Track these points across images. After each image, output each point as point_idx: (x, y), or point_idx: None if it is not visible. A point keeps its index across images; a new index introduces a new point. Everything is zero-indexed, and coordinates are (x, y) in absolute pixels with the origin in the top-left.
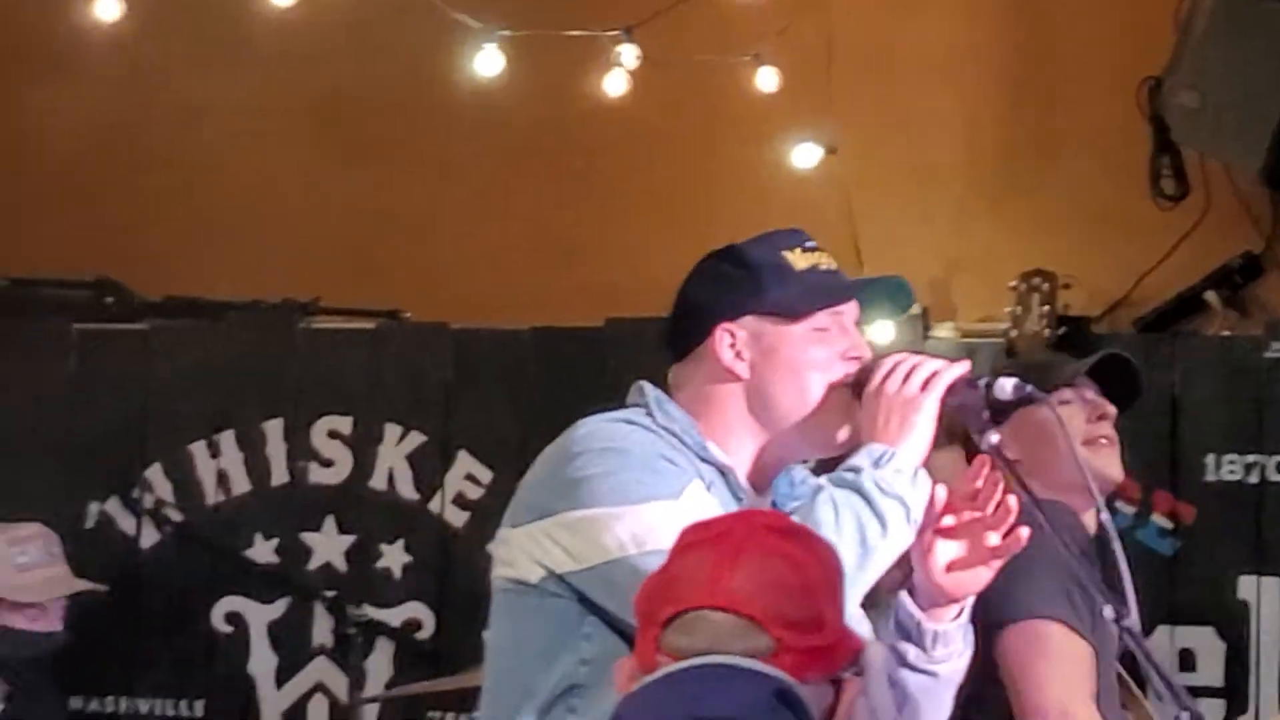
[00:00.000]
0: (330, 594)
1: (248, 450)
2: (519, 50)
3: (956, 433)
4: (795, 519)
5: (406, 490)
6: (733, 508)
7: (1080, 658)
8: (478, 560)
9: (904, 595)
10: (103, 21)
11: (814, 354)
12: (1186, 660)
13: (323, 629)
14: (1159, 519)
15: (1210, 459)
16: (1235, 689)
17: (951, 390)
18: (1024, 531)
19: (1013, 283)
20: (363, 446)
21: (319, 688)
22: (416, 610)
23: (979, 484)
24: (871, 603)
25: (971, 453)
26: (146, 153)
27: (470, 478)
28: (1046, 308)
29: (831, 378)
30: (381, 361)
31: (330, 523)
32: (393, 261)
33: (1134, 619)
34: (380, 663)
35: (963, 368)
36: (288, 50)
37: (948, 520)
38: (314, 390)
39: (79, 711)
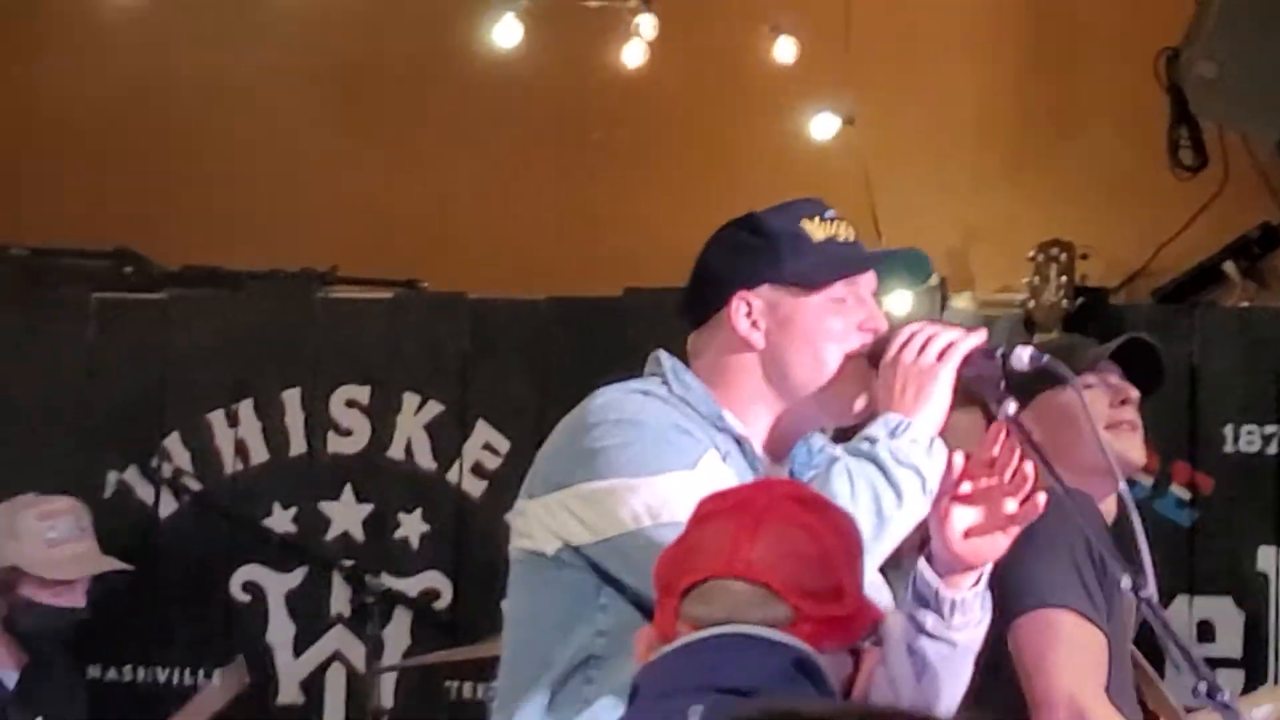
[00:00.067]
0: (348, 563)
1: (266, 420)
2: (537, 20)
3: (976, 397)
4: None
5: (424, 460)
6: (749, 477)
7: (1092, 647)
8: (495, 530)
9: (922, 563)
10: None
11: (830, 324)
12: (1205, 631)
13: (340, 598)
14: (1177, 490)
15: (1229, 430)
16: (1254, 660)
17: (968, 360)
18: (1041, 497)
19: (1031, 253)
20: (381, 416)
21: (336, 657)
22: (434, 580)
23: (995, 451)
24: (893, 563)
25: (990, 415)
26: (165, 123)
27: (488, 447)
28: (1064, 278)
29: (848, 348)
30: (399, 331)
31: (348, 492)
32: (411, 231)
33: (1151, 589)
34: (398, 632)
35: (979, 338)
36: (307, 20)
37: (965, 487)
38: (332, 360)
39: (97, 680)
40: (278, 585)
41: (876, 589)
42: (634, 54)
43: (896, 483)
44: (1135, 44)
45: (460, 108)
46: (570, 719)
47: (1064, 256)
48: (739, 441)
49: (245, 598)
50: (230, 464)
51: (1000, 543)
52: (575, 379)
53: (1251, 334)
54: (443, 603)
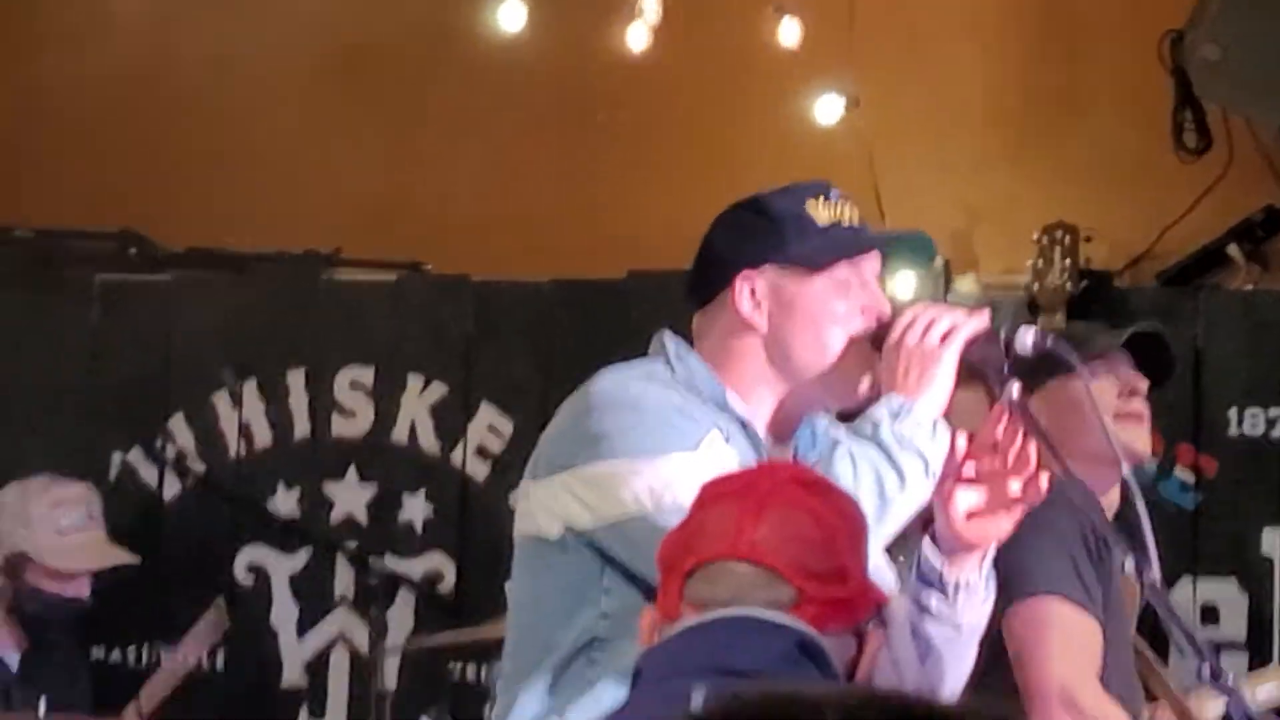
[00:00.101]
0: (352, 545)
1: (270, 401)
2: (541, 3)
3: (981, 375)
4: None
5: (428, 442)
6: (751, 459)
7: (1085, 635)
8: (499, 512)
9: (926, 544)
10: None
11: (833, 307)
12: (1209, 615)
13: (344, 580)
14: (1181, 473)
15: (1233, 413)
16: (1258, 643)
17: (971, 343)
18: (1044, 479)
19: (1035, 236)
20: (385, 398)
21: (340, 639)
22: (438, 562)
23: (999, 433)
24: (899, 543)
25: (994, 394)
26: (169, 104)
27: (492, 429)
28: (1068, 261)
29: (851, 331)
30: (403, 313)
31: (352, 474)
32: (414, 213)
33: (1155, 573)
34: (402, 614)
35: (982, 321)
36: (311, 2)
37: (968, 469)
38: (336, 342)
39: (101, 661)
40: (282, 567)
41: (881, 571)
42: (638, 36)
43: (899, 466)
44: (1139, 26)
45: (464, 90)
46: (573, 701)
47: (1068, 239)
48: (742, 423)
49: (249, 579)
50: (234, 446)
51: (1004, 524)
52: (578, 361)
53: (1256, 317)
54: (446, 585)
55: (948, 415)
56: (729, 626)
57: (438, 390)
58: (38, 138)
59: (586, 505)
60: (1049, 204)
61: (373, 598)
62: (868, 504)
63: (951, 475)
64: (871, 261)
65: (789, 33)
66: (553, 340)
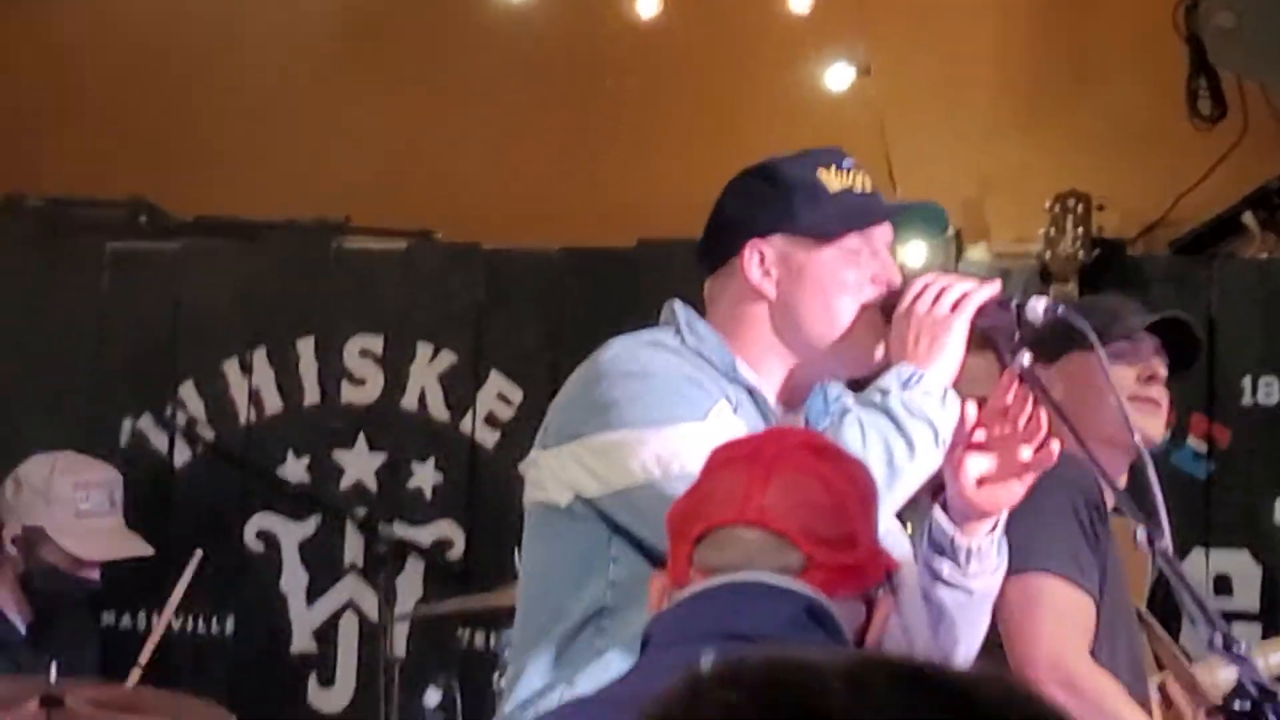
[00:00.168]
0: (361, 513)
1: (280, 369)
2: None
3: (991, 342)
4: None
5: (438, 409)
6: (760, 428)
7: (1077, 610)
8: (508, 479)
9: (938, 511)
10: None
11: (844, 276)
12: (1222, 585)
13: (354, 547)
14: (1194, 442)
15: (1246, 382)
16: (1272, 613)
17: (982, 312)
18: (1055, 445)
19: (1047, 204)
20: (394, 366)
21: (350, 606)
22: (447, 529)
23: (1009, 400)
24: (910, 507)
25: (1004, 361)
26: (180, 72)
27: (501, 397)
28: (1081, 230)
29: (861, 300)
30: (413, 282)
31: (362, 441)
32: (424, 181)
33: (1167, 543)
34: (411, 581)
35: (993, 289)
36: None
37: (978, 435)
38: (346, 310)
39: (110, 627)
40: (291, 534)
41: (894, 537)
42: (647, 3)
43: (909, 434)
44: None
45: (474, 58)
46: (582, 669)
47: (1080, 207)
48: (751, 392)
49: (259, 546)
50: (244, 413)
51: (1015, 490)
52: (588, 329)
53: (1270, 285)
54: (455, 552)
55: (958, 382)
56: (737, 592)
57: (447, 358)
58: (49, 106)
59: (595, 474)
60: (1061, 172)
61: (382, 565)
62: (877, 472)
63: (962, 442)
64: (883, 230)
65: (799, 0)
66: (562, 309)
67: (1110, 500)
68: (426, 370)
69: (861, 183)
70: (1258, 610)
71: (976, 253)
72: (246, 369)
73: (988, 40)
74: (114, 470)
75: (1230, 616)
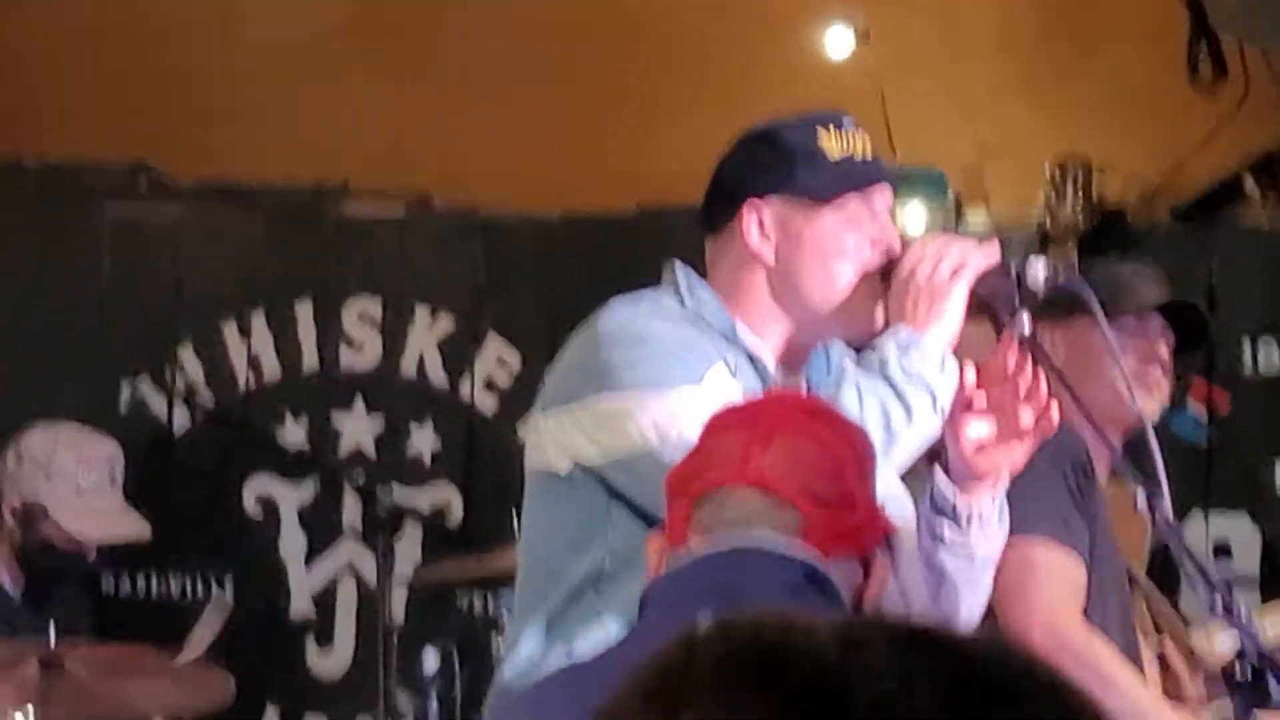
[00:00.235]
0: (360, 477)
1: (279, 333)
2: None
3: (986, 310)
4: None
5: (436, 374)
6: (758, 391)
7: (1068, 573)
8: (506, 444)
9: (939, 475)
10: None
11: (842, 240)
12: (1221, 550)
13: (352, 511)
14: (1194, 407)
15: (1246, 347)
16: (1271, 578)
17: (982, 277)
18: (1055, 411)
19: (1047, 169)
20: (393, 331)
21: (348, 569)
22: (445, 493)
23: (1010, 364)
24: (912, 469)
25: (1000, 329)
26: (181, 38)
27: (500, 362)
28: (1081, 195)
29: (860, 264)
30: (412, 247)
31: (360, 406)
32: (423, 147)
33: (1167, 506)
34: (409, 545)
35: (993, 254)
36: None
37: (979, 399)
38: (345, 274)
39: (110, 590)
40: (290, 498)
41: (897, 500)
42: None
43: (906, 399)
44: None
45: (474, 25)
46: (581, 634)
47: (1081, 172)
48: (750, 356)
49: (258, 510)
50: (243, 377)
51: (1017, 454)
52: (587, 296)
53: (1270, 251)
54: (454, 516)
55: (955, 350)
56: (735, 557)
57: (446, 323)
58: (49, 71)
59: (593, 440)
60: (1061, 137)
61: (380, 529)
62: (875, 437)
63: (961, 407)
64: (882, 194)
65: None
66: (561, 275)
67: (1104, 466)
68: (425, 335)
69: (861, 146)
70: (1257, 575)
71: (976, 218)
72: (245, 333)
73: (987, 5)
74: (114, 444)
75: (1229, 581)
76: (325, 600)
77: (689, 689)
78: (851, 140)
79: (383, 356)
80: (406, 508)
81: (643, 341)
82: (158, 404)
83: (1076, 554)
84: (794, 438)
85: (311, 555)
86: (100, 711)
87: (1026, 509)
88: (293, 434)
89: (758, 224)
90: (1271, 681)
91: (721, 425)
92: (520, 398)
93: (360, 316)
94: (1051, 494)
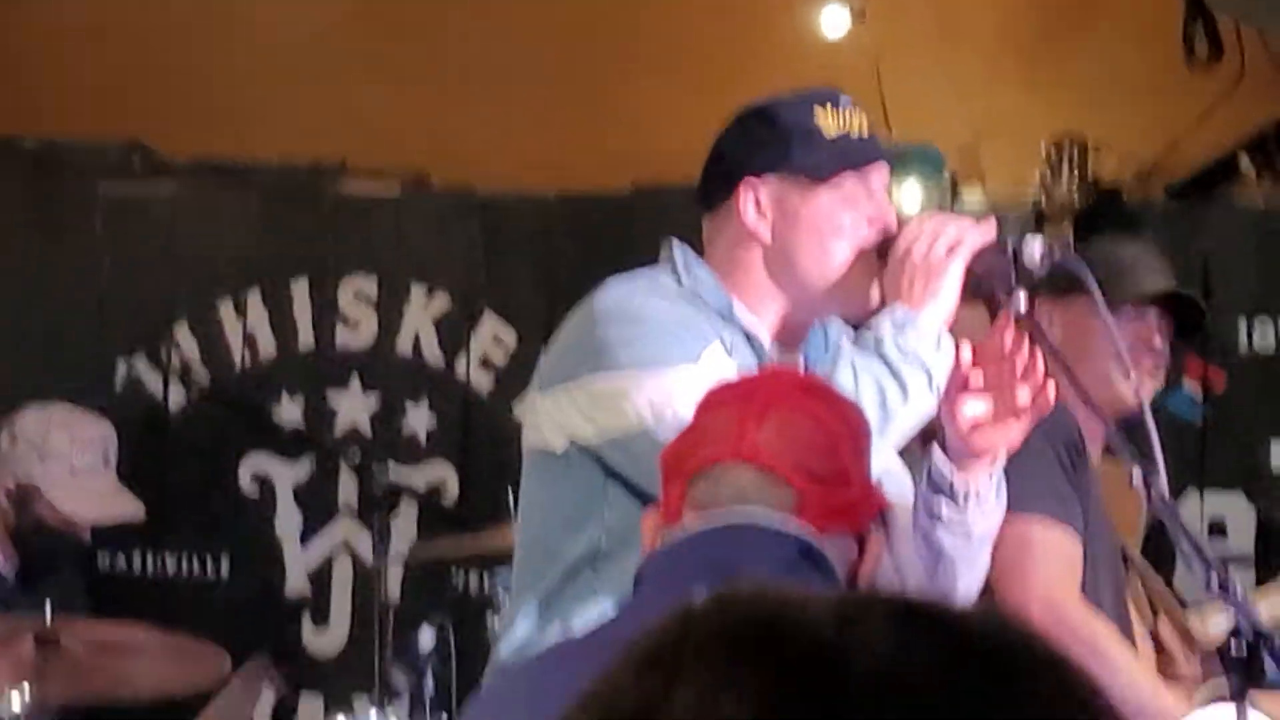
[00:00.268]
0: (355, 455)
1: (274, 312)
2: None
3: (981, 292)
4: None
5: (432, 353)
6: (755, 369)
7: (1066, 550)
8: (502, 422)
9: (936, 452)
10: None
11: (838, 219)
12: (1216, 529)
13: (348, 490)
14: (1189, 385)
15: (1241, 325)
16: (1266, 557)
17: (978, 255)
18: (1052, 388)
19: (1043, 148)
20: (388, 309)
21: (344, 548)
22: (441, 472)
23: (1006, 341)
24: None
25: (995, 313)
26: (178, 19)
27: (496, 340)
28: (1076, 173)
29: (856, 242)
30: (408, 226)
31: (356, 384)
32: (420, 125)
33: (1163, 483)
34: (405, 524)
35: (989, 231)
36: None
37: (975, 378)
38: (340, 253)
39: (105, 568)
40: (285, 476)
41: (895, 476)
42: None
43: (902, 378)
44: None
45: (470, 5)
46: (578, 612)
47: (1076, 151)
48: (747, 334)
49: (253, 488)
50: (239, 355)
51: (1014, 432)
52: (582, 274)
53: (1266, 229)
54: (449, 494)
55: (949, 331)
56: (730, 533)
57: (441, 302)
58: (44, 48)
59: (589, 419)
60: (1057, 116)
61: (376, 507)
62: (870, 416)
63: (958, 385)
64: (879, 172)
65: None
66: (557, 253)
67: (1098, 444)
68: (421, 313)
69: (858, 123)
70: (1252, 554)
71: (972, 197)
72: (241, 311)
73: None
74: (108, 425)
75: (1225, 560)
76: (321, 578)
77: (684, 662)
78: (848, 118)
79: (378, 335)
80: (402, 486)
81: (639, 320)
82: (153, 382)
83: (1073, 531)
84: (789, 414)
85: (307, 533)
86: (96, 688)
87: (1023, 487)
88: (289, 412)
89: (754, 203)
90: (1267, 660)
91: (716, 402)
92: (516, 376)
93: (356, 295)
94: (1047, 472)
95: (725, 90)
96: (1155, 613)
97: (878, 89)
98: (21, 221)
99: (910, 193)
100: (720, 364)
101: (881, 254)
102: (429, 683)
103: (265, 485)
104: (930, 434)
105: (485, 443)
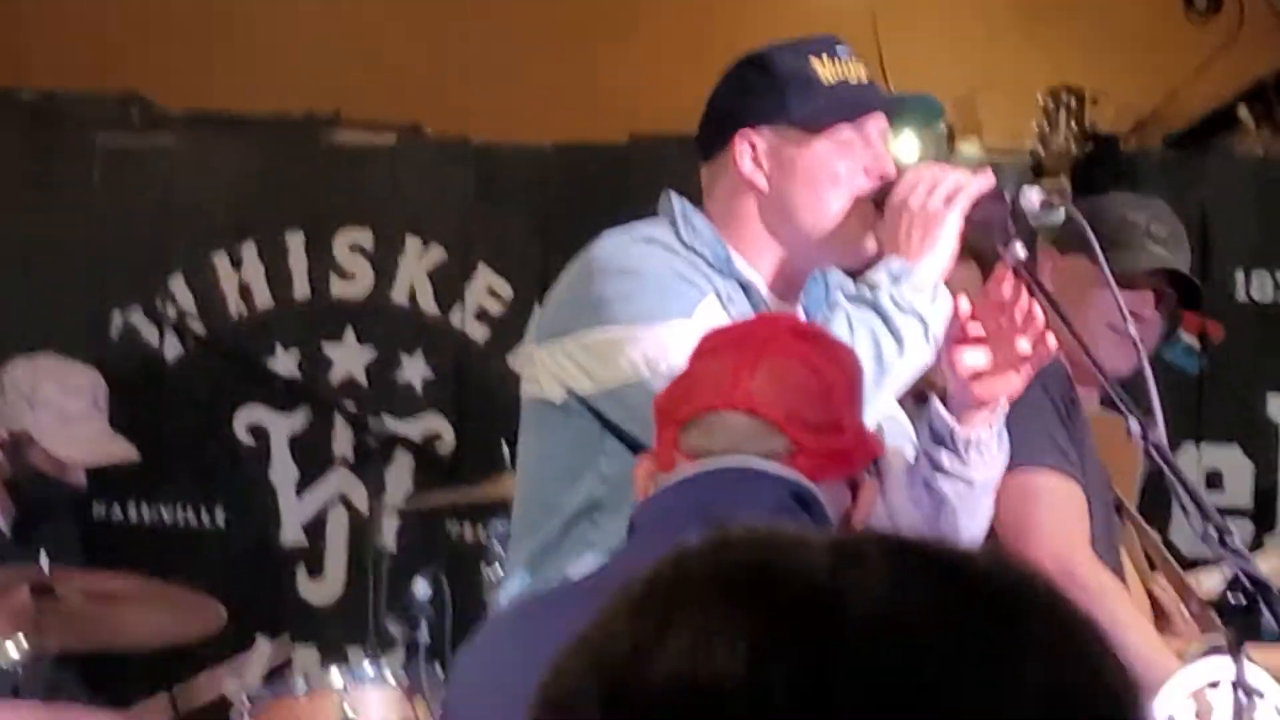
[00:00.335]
0: (351, 406)
1: (269, 263)
2: None
3: (973, 249)
4: None
5: (427, 304)
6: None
7: (1072, 502)
8: (497, 373)
9: (936, 403)
10: None
11: (834, 168)
12: (1213, 481)
13: (343, 441)
14: (1186, 337)
15: (1239, 277)
16: (1263, 509)
17: (976, 204)
18: (1052, 338)
19: (1040, 98)
20: (383, 260)
21: (339, 499)
22: (436, 423)
23: (1005, 292)
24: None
25: (987, 271)
26: None
27: (491, 292)
28: (1074, 124)
29: (853, 191)
30: (403, 176)
31: (350, 335)
32: (414, 75)
33: (1161, 434)
34: (400, 475)
35: (987, 181)
36: None
37: (974, 328)
38: (335, 204)
39: (101, 518)
40: (281, 427)
41: (896, 424)
42: None
43: (897, 330)
44: None
45: None
46: (575, 562)
47: (1073, 102)
48: (744, 285)
49: (249, 439)
50: (234, 306)
51: (1014, 381)
52: (577, 225)
53: (1264, 179)
54: (444, 445)
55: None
56: (723, 477)
57: (436, 253)
58: (42, 1)
59: (586, 371)
60: (1055, 67)
61: (371, 458)
62: (865, 369)
63: (957, 336)
64: (877, 120)
65: None
66: (552, 204)
67: (1092, 394)
68: (416, 265)
69: (856, 72)
70: (1249, 506)
71: (969, 149)
72: (236, 263)
73: None
74: (96, 373)
75: (1222, 512)
76: (316, 529)
77: (677, 606)
78: (846, 66)
79: (374, 286)
80: (398, 437)
81: (636, 274)
82: (149, 334)
83: (1075, 480)
84: (783, 360)
85: (302, 484)
86: (92, 638)
87: (1025, 439)
88: (284, 364)
89: (750, 153)
90: (1264, 612)
91: (710, 348)
92: (511, 327)
93: (351, 247)
94: (1047, 423)
95: (722, 40)
96: (1153, 567)
97: (875, 41)
98: (19, 173)
99: (908, 142)
100: (715, 317)
101: (879, 204)
102: (424, 633)
103: (261, 436)
104: (924, 395)
105: (480, 394)
